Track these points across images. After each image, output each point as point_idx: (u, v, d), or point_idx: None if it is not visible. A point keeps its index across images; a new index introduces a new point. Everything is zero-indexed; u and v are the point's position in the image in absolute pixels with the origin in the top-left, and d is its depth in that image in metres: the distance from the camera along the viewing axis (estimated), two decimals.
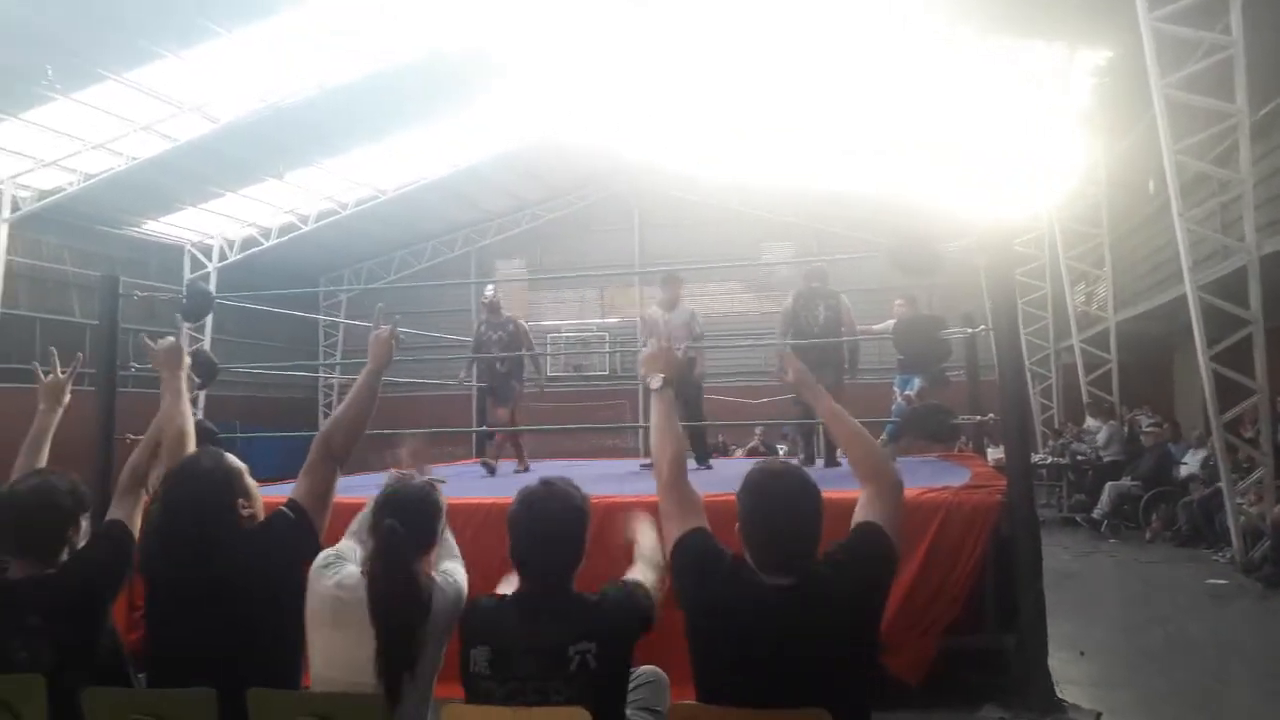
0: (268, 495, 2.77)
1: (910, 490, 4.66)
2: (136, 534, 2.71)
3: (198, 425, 3.19)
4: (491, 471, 7.69)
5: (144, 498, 2.83)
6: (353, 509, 2.91)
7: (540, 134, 18.78)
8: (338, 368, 23.41)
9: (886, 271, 7.19)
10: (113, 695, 2.34)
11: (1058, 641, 4.63)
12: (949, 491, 4.63)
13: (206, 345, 12.42)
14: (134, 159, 14.95)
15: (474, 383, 8.08)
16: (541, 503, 2.46)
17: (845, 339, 7.17)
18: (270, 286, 17.67)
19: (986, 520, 4.37)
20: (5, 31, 11.35)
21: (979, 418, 6.09)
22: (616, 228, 22.56)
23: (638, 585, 2.52)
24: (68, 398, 3.27)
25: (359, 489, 3.68)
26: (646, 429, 3.10)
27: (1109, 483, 11.33)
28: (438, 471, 3.04)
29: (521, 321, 8.27)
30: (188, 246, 19.96)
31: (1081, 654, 5.33)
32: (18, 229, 15.76)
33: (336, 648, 2.43)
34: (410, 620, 2.38)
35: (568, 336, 22.30)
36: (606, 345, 21.82)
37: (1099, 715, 4.16)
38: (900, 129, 15.59)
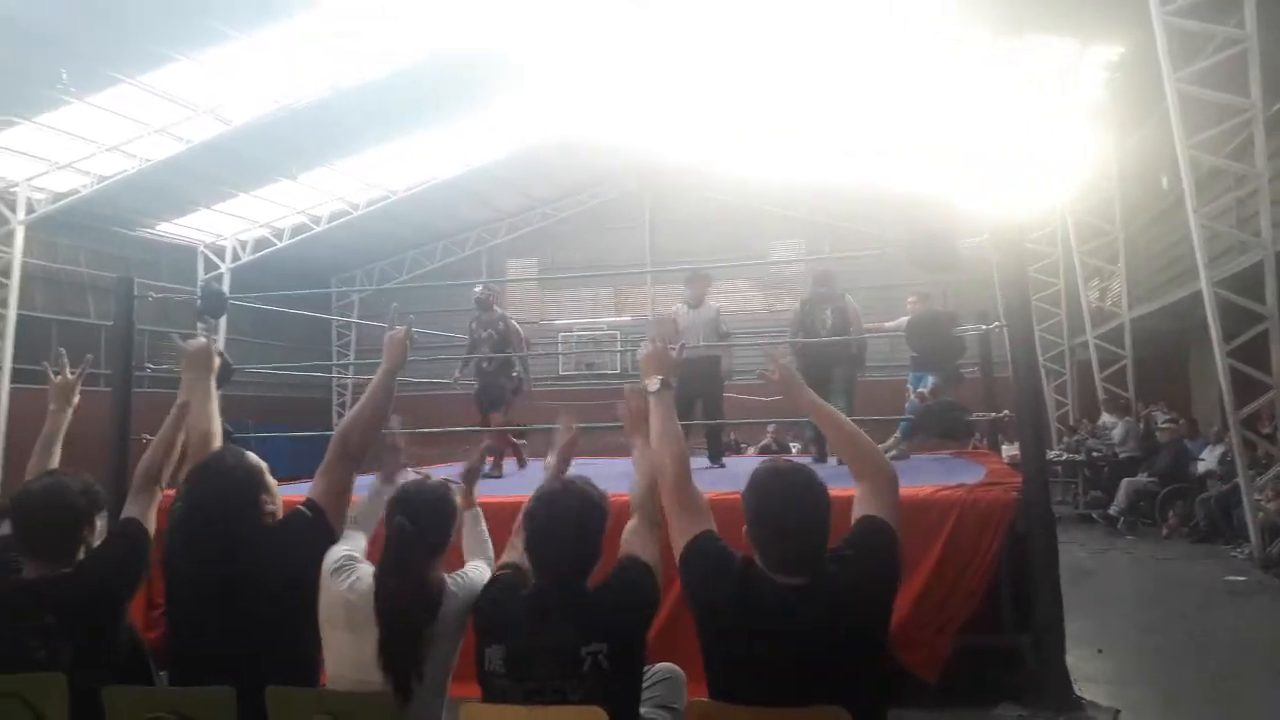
0: (283, 495, 2.78)
1: (925, 488, 4.67)
2: (152, 531, 2.72)
3: None
4: (499, 473, 7.58)
5: (159, 495, 2.84)
6: None
7: (552, 132, 18.79)
8: (351, 368, 23.48)
9: (899, 268, 7.18)
10: (133, 693, 2.35)
11: (1075, 639, 4.60)
12: (964, 489, 4.62)
13: (220, 345, 12.46)
14: (148, 161, 15.02)
15: (475, 381, 7.92)
16: (559, 500, 2.45)
17: (854, 337, 7.17)
18: (283, 287, 17.71)
19: (1002, 517, 4.35)
20: (20, 36, 11.43)
21: (993, 414, 6.07)
22: (628, 226, 22.56)
23: (635, 564, 2.47)
24: (77, 398, 3.29)
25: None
26: None
27: (1125, 479, 11.27)
28: (439, 472, 3.05)
29: (513, 320, 8.02)
30: (201, 247, 20.07)
31: (1099, 651, 5.30)
32: (33, 231, 15.86)
33: (348, 648, 2.43)
34: (415, 620, 2.37)
35: (579, 335, 22.32)
36: (618, 344, 21.81)
37: (1117, 713, 4.14)
38: (912, 126, 15.54)
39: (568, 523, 2.41)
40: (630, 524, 2.63)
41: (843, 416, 2.60)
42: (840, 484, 2.53)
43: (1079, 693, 4.21)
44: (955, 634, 4.24)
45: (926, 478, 5.30)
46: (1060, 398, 17.28)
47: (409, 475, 2.83)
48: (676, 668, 2.75)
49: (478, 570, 2.67)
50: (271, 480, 2.69)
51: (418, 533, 2.44)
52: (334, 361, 23.97)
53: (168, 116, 14.23)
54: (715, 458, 7.54)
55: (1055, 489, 12.65)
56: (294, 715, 2.25)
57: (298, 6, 12.33)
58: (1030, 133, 13.83)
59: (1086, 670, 4.75)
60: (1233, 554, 8.79)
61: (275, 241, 19.83)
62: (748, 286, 21.75)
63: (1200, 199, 8.85)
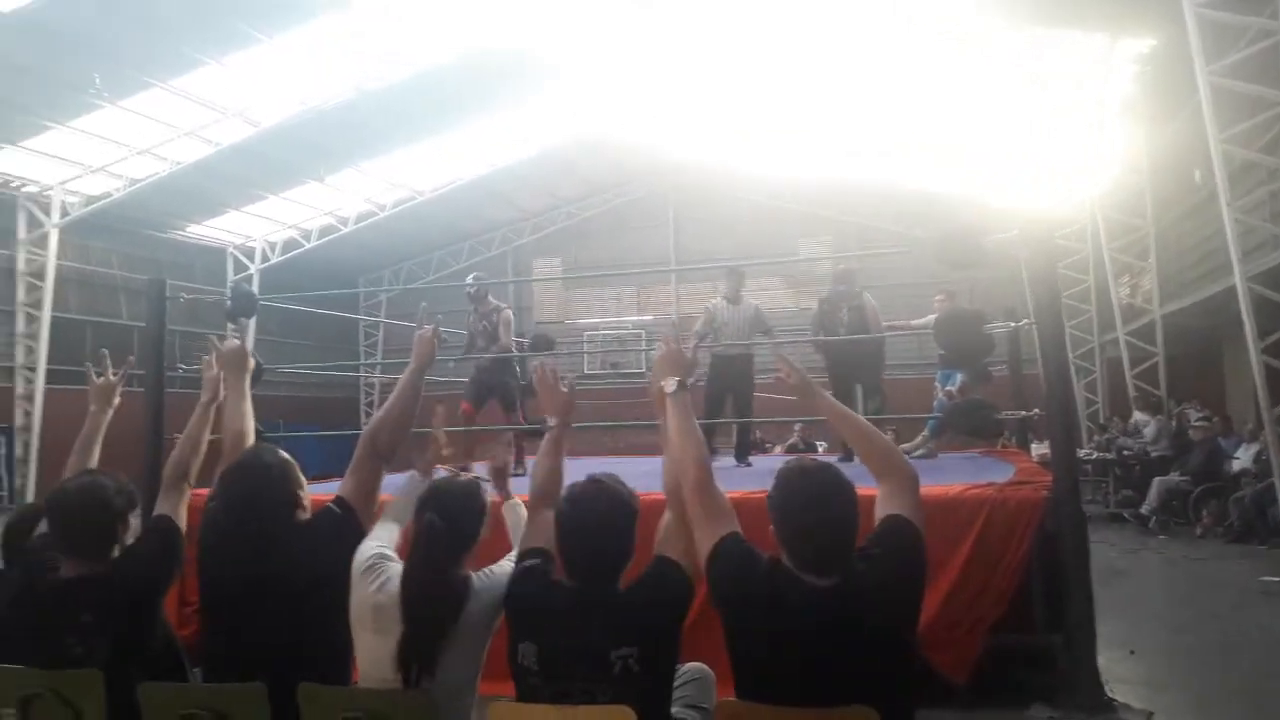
0: (312, 494, 2.80)
1: (954, 486, 4.63)
2: (183, 528, 2.74)
3: None
4: (521, 470, 7.51)
5: (188, 492, 2.86)
6: None
7: (577, 132, 18.84)
8: (378, 367, 23.64)
9: (926, 265, 7.13)
10: (168, 690, 2.38)
11: (1106, 640, 4.54)
12: (993, 488, 4.57)
13: (250, 346, 12.58)
14: (178, 164, 15.23)
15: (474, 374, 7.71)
16: (589, 500, 2.42)
17: (873, 336, 7.13)
18: (311, 287, 17.89)
19: (1032, 517, 4.30)
20: (53, 41, 11.61)
21: (1022, 413, 6.02)
22: (652, 225, 22.59)
23: (667, 562, 2.44)
24: (118, 399, 3.30)
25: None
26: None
27: (1157, 478, 11.13)
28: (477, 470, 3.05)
29: (506, 310, 7.49)
30: (230, 249, 20.31)
31: (1131, 652, 5.23)
32: (67, 234, 16.12)
33: (375, 650, 2.44)
34: (439, 616, 2.37)
35: (604, 334, 22.35)
36: (643, 342, 21.82)
37: (1150, 715, 4.09)
38: (939, 124, 15.43)
39: (599, 523, 2.39)
40: (664, 519, 2.60)
41: (859, 417, 2.58)
42: (867, 483, 2.51)
43: (1111, 694, 4.16)
44: (985, 634, 4.19)
45: (955, 476, 5.25)
46: (1090, 395, 17.09)
47: (441, 472, 2.83)
48: (706, 667, 2.73)
49: (504, 568, 2.67)
50: (302, 478, 2.71)
51: (447, 529, 2.44)
52: (362, 361, 24.16)
53: (197, 119, 14.43)
54: (742, 456, 7.52)
55: (1086, 488, 12.49)
56: (326, 712, 2.26)
57: (324, 8, 12.44)
58: (1059, 128, 13.70)
59: (1119, 671, 4.69)
60: (1269, 553, 8.65)
61: (303, 243, 20.02)
62: (775, 284, 21.70)
63: (1233, 193, 8.72)
